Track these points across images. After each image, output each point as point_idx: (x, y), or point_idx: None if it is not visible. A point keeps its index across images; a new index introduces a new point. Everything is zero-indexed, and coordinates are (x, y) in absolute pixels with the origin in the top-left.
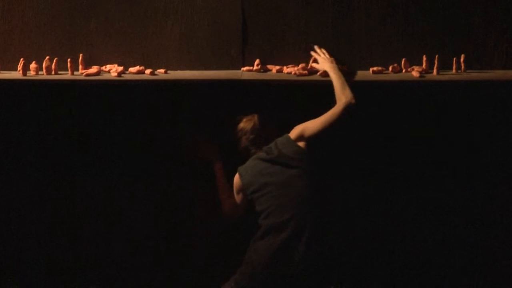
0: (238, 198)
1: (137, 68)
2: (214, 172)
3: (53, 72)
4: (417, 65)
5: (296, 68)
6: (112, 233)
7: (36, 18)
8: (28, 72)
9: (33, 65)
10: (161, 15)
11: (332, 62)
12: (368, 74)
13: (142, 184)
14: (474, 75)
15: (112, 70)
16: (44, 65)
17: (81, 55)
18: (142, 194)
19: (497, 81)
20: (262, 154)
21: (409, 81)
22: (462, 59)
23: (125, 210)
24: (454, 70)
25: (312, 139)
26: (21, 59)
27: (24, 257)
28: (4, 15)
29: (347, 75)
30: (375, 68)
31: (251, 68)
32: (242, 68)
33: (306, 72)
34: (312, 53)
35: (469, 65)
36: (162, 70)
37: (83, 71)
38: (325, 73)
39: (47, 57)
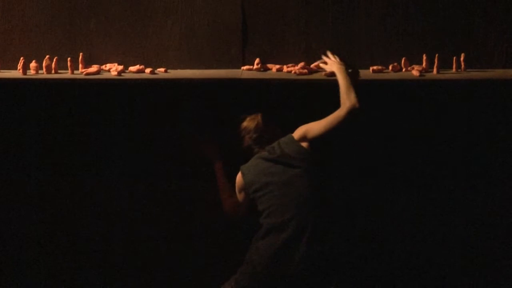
0: (240, 197)
1: (137, 67)
2: (214, 172)
3: (53, 71)
4: (417, 64)
5: (296, 67)
6: (112, 233)
7: (36, 17)
8: (28, 71)
9: (33, 64)
10: (161, 14)
11: (341, 64)
12: (368, 73)
13: (142, 183)
14: (474, 74)
15: (112, 69)
16: (44, 64)
17: (81, 54)
18: (142, 194)
19: (497, 80)
20: (265, 153)
21: (409, 80)
22: (462, 58)
23: (125, 209)
24: (454, 69)
25: (315, 141)
26: (21, 58)
27: (24, 257)
28: (4, 14)
29: (355, 78)
30: (375, 67)
31: (251, 67)
32: (242, 67)
33: (306, 71)
34: (323, 56)
35: (469, 64)
36: (162, 69)
37: (83, 70)
38: (331, 74)
39: (47, 56)
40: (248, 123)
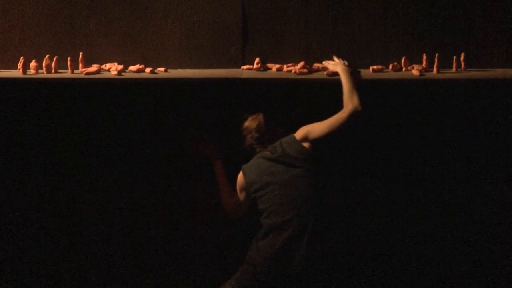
0: (241, 196)
1: (137, 66)
2: (214, 171)
3: (53, 71)
4: (417, 63)
5: (296, 67)
6: (112, 232)
7: (36, 16)
8: (28, 70)
9: (33, 64)
10: (161, 13)
11: (345, 65)
12: (368, 72)
13: (142, 183)
14: (474, 73)
15: (112, 69)
16: (44, 64)
17: (81, 53)
18: (142, 193)
19: (497, 80)
20: (266, 153)
21: (409, 80)
22: (462, 58)
23: (125, 209)
24: (454, 69)
25: (317, 142)
26: (21, 57)
27: (24, 257)
28: (4, 13)
29: (358, 79)
30: (375, 67)
31: (251, 66)
32: (242, 67)
33: (306, 70)
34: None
35: (469, 64)
36: (162, 69)
37: (83, 69)
38: (332, 73)
39: (47, 56)
40: (250, 123)
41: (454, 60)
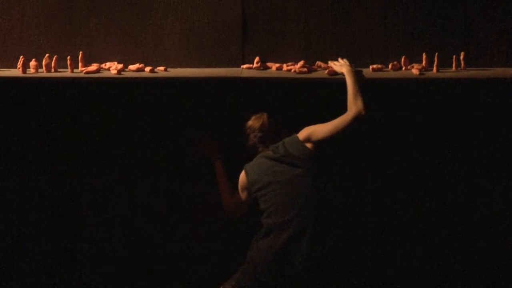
0: (242, 195)
1: (136, 65)
2: (214, 170)
3: (52, 70)
4: (417, 63)
5: (296, 66)
6: (112, 232)
7: (36, 15)
8: (28, 69)
9: (33, 63)
10: (161, 13)
11: (351, 67)
12: (368, 71)
13: (142, 182)
14: (474, 73)
15: (112, 68)
16: (44, 63)
17: (81, 52)
18: (142, 193)
19: (497, 79)
20: (269, 153)
21: (409, 79)
22: (462, 57)
23: (125, 209)
24: (454, 68)
25: (319, 143)
26: (21, 56)
27: (24, 256)
28: (4, 12)
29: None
30: (374, 66)
31: (251, 65)
32: (242, 66)
33: (305, 69)
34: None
35: (469, 63)
36: (161, 68)
37: (83, 68)
38: (333, 73)
39: (47, 55)
40: (253, 122)
41: (454, 59)
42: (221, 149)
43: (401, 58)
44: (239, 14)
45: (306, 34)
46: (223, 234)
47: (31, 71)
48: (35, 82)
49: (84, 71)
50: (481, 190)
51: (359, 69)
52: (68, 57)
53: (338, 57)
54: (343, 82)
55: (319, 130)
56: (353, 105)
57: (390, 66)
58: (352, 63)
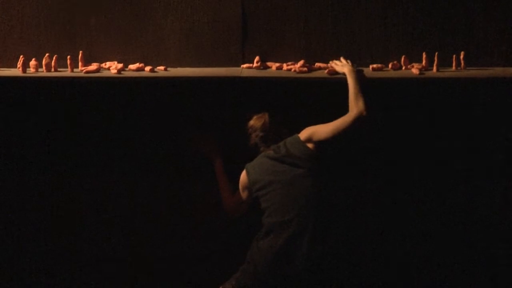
0: (243, 195)
1: (136, 65)
2: (214, 170)
3: (52, 69)
4: (417, 62)
5: (296, 65)
6: (112, 232)
7: (36, 15)
8: (28, 69)
9: (32, 62)
10: (161, 12)
11: (353, 67)
12: (368, 71)
13: (142, 182)
14: (474, 72)
15: (112, 67)
16: (43, 62)
17: (81, 52)
18: (142, 192)
19: (497, 79)
20: (270, 152)
21: (408, 79)
22: (462, 56)
23: (125, 209)
24: (454, 68)
25: (320, 143)
26: (21, 56)
27: (24, 257)
28: (4, 12)
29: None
30: (374, 66)
31: (251, 65)
32: (242, 65)
33: (305, 69)
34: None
35: (469, 63)
36: (161, 67)
37: (83, 68)
38: (333, 72)
39: (47, 54)
40: (255, 122)
41: (454, 59)
42: (221, 148)
43: (401, 58)
44: (239, 14)
45: (306, 34)
46: (223, 234)
47: (31, 70)
48: (35, 81)
49: (84, 71)
50: (481, 190)
51: (360, 68)
52: (68, 57)
53: (338, 57)
54: (343, 82)
55: (321, 130)
56: (355, 105)
57: (390, 65)
58: (353, 63)
